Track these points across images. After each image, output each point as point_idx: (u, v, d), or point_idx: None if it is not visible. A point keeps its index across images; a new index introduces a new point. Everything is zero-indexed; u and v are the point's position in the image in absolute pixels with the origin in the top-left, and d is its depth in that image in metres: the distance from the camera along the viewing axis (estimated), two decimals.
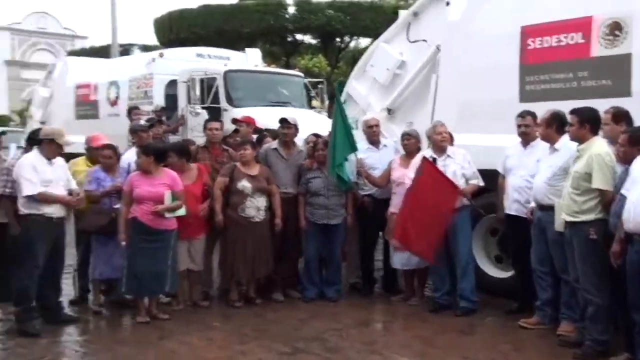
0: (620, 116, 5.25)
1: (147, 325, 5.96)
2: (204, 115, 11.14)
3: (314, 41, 27.50)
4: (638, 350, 4.63)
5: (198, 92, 12.08)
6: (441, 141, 6.45)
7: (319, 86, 13.90)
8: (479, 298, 6.52)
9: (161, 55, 13.76)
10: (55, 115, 16.21)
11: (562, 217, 5.23)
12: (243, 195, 6.54)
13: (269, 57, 27.21)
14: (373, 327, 6.14)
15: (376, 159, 7.10)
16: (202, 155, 7.27)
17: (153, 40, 30.37)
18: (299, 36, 26.78)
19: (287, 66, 25.47)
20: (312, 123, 9.50)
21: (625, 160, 4.84)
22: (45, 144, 5.84)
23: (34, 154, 5.86)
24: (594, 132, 5.22)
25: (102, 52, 27.42)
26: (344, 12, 24.07)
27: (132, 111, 10.91)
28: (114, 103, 14.16)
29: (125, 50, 30.91)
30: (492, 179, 6.46)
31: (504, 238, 6.77)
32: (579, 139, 5.23)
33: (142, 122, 8.69)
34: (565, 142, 5.56)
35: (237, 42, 23.88)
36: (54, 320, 5.95)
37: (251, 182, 6.55)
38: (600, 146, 5.11)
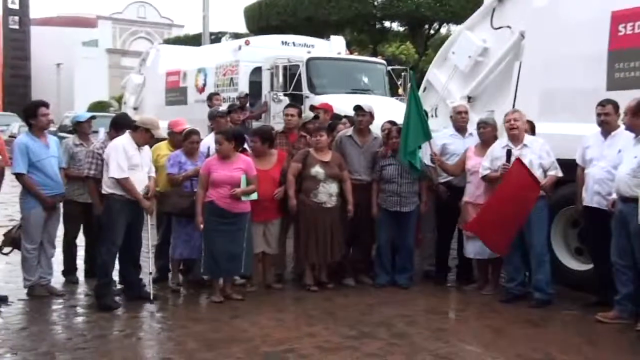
0: None
1: (221, 304, 6.18)
2: (287, 102, 11.29)
3: (401, 28, 27.24)
4: None
5: (281, 79, 12.31)
6: (510, 129, 6.31)
7: (403, 74, 13.82)
8: (555, 290, 6.37)
9: (247, 43, 14.05)
10: (147, 102, 16.90)
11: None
12: (316, 181, 6.64)
13: (357, 45, 27.29)
14: (442, 315, 6.10)
15: (460, 146, 7.03)
16: (279, 140, 7.44)
17: (243, 29, 31.00)
18: (386, 23, 26.58)
19: (375, 54, 25.42)
20: (392, 111, 9.46)
21: None
22: (141, 131, 6.13)
23: (127, 138, 6.12)
24: None
25: (195, 40, 28.31)
26: None
27: (212, 97, 11.23)
28: (201, 90, 14.59)
29: (217, 38, 31.79)
30: (573, 170, 6.29)
31: (584, 230, 6.57)
32: None
33: (222, 108, 8.93)
34: None
35: (325, 30, 24.04)
36: (134, 296, 6.26)
37: (324, 168, 6.64)
38: None
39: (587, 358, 4.87)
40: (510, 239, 6.21)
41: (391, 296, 6.57)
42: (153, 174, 6.38)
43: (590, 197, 6.03)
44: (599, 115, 5.98)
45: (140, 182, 6.13)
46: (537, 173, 6.18)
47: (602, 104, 5.98)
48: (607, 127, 5.97)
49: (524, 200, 6.13)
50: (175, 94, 15.74)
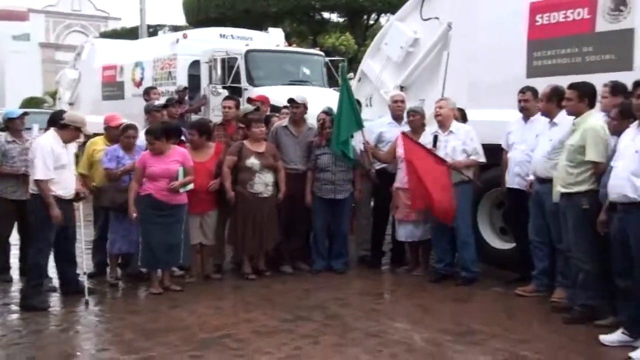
0: (618, 89, 5.38)
1: (159, 296, 6.30)
2: (226, 94, 11.43)
3: (341, 19, 27.53)
4: (621, 313, 4.82)
5: (220, 72, 12.37)
6: (435, 116, 6.64)
7: (340, 65, 14.01)
8: (481, 269, 6.78)
9: (185, 36, 14.05)
10: (83, 97, 16.70)
11: (557, 189, 5.39)
12: (252, 172, 6.82)
13: (297, 36, 27.41)
14: (374, 296, 6.37)
15: (396, 133, 7.20)
16: (217, 132, 7.59)
17: (182, 21, 30.78)
18: (325, 14, 26.84)
19: (315, 45, 25.59)
20: (330, 101, 9.68)
21: (617, 132, 4.98)
22: (70, 129, 6.08)
23: (53, 136, 6.06)
24: (591, 106, 5.37)
25: (132, 33, 27.97)
26: None
27: (149, 91, 11.25)
28: (138, 84, 14.51)
29: (155, 31, 31.43)
30: (498, 154, 6.64)
31: (508, 211, 6.93)
32: (577, 113, 5.38)
33: (159, 102, 8.99)
34: (564, 117, 5.70)
35: (264, 22, 24.08)
36: (71, 292, 6.28)
37: (259, 159, 6.82)
38: (595, 120, 5.26)
39: (505, 329, 5.21)
40: (451, 209, 6.50)
41: (327, 281, 6.82)
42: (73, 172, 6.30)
43: (511, 179, 6.41)
44: (519, 101, 6.35)
45: (68, 181, 6.11)
46: (460, 158, 6.51)
47: (522, 90, 6.35)
48: (527, 113, 6.34)
49: (438, 172, 6.48)
50: (112, 89, 15.62)
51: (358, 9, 24.97)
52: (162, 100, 9.95)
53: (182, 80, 13.28)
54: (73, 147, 6.37)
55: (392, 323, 5.42)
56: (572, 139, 5.31)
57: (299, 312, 5.73)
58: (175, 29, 31.48)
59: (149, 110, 7.98)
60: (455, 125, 6.69)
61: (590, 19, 6.35)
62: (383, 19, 27.41)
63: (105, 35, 35.61)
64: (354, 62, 17.24)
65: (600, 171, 5.05)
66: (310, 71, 13.31)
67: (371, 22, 27.35)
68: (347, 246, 7.39)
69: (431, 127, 6.92)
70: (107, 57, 16.23)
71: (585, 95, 5.33)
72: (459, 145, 6.53)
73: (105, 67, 15.97)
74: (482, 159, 6.61)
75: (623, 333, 4.80)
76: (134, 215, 6.27)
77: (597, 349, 4.76)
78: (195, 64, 13.34)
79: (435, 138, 6.65)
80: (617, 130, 4.99)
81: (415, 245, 7.17)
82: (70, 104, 16.86)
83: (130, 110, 11.48)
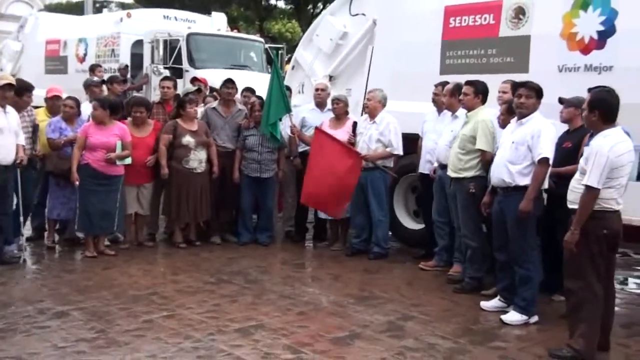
0: (515, 86, 6.11)
1: (94, 259, 6.78)
2: (167, 74, 11.82)
3: (287, 7, 27.98)
4: (499, 283, 5.57)
5: (162, 52, 12.77)
6: (364, 106, 7.25)
7: (279, 52, 14.58)
8: (393, 247, 7.53)
9: (128, 15, 14.36)
10: (26, 69, 16.67)
11: (448, 174, 6.12)
12: (187, 149, 7.33)
13: (243, 21, 27.76)
14: (293, 266, 6.98)
15: (318, 119, 7.80)
16: (156, 110, 8.08)
17: None
18: (272, 1, 27.25)
19: (261, 30, 26.02)
20: (266, 86, 10.23)
21: (504, 126, 5.71)
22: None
23: None
24: (484, 102, 6.09)
25: (77, 7, 27.69)
26: None
27: (94, 69, 11.57)
28: (81, 59, 14.76)
29: (101, 6, 31.16)
30: (413, 142, 7.31)
31: (420, 194, 7.65)
32: (471, 107, 6.09)
33: (96, 78, 9.44)
34: (464, 110, 6.40)
35: (211, 4, 24.35)
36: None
37: (194, 137, 7.34)
38: (485, 113, 5.99)
39: (402, 295, 5.91)
40: (342, 202, 7.19)
41: (251, 251, 7.42)
42: (22, 142, 6.45)
43: (423, 165, 7.11)
44: (433, 94, 7.03)
45: (4, 147, 6.19)
46: (373, 146, 7.15)
47: (435, 85, 7.04)
48: (437, 105, 7.03)
49: (348, 167, 7.10)
50: (55, 63, 15.76)
51: None
52: (105, 77, 10.36)
53: (125, 59, 13.62)
54: (15, 113, 6.40)
55: (305, 288, 6.06)
56: (465, 129, 6.03)
57: (221, 276, 6.32)
58: (122, 5, 31.30)
59: (87, 85, 8.40)
60: (381, 115, 7.25)
61: (495, 25, 7.07)
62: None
63: (50, 7, 35.01)
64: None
65: (487, 159, 5.76)
66: (250, 57, 13.81)
67: (317, 10, 27.87)
68: (272, 221, 8.02)
69: (365, 115, 7.51)
70: (51, 31, 16.33)
71: (480, 92, 6.06)
72: (375, 134, 7.15)
73: (48, 41, 16.09)
74: (397, 151, 7.20)
75: (499, 300, 5.56)
76: (77, 182, 6.69)
77: (476, 312, 5.50)
78: (138, 43, 13.69)
79: (355, 125, 7.30)
80: (504, 124, 5.71)
81: (335, 222, 7.82)
82: (13, 75, 16.80)
83: (73, 85, 11.74)
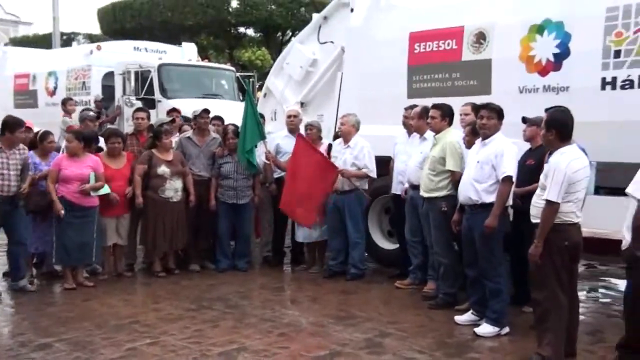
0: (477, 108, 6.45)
1: (73, 290, 6.89)
2: (139, 105, 12.01)
3: (256, 35, 28.36)
4: (471, 297, 5.83)
5: (133, 83, 12.99)
6: (338, 130, 7.54)
7: (251, 80, 14.88)
8: (369, 267, 7.77)
9: (99, 48, 14.58)
10: None
11: (420, 194, 6.39)
12: (163, 179, 7.51)
13: (213, 49, 28.06)
14: (272, 290, 7.17)
15: (291, 145, 7.98)
16: (130, 141, 8.26)
17: (97, 30, 30.78)
18: (242, 29, 27.60)
19: (231, 58, 26.34)
20: (239, 115, 10.47)
21: (469, 147, 6.01)
22: None
23: None
24: (450, 124, 6.39)
25: (44, 40, 27.76)
26: (284, 8, 25.05)
27: (66, 102, 11.71)
28: (51, 93, 14.90)
29: (69, 39, 31.26)
30: (385, 165, 7.58)
31: (393, 215, 7.90)
32: (439, 130, 6.38)
33: (92, 113, 9.72)
34: (431, 133, 6.69)
35: (181, 34, 24.65)
36: None
37: (169, 167, 7.53)
38: (453, 135, 6.29)
39: (379, 313, 6.13)
40: (315, 212, 7.48)
41: (231, 278, 7.58)
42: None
43: (395, 186, 7.38)
44: (403, 117, 7.32)
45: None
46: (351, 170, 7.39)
47: (405, 108, 7.34)
48: (408, 128, 7.31)
49: (323, 178, 7.41)
50: (24, 97, 15.87)
51: (273, 26, 25.88)
52: (77, 111, 10.54)
53: (96, 91, 13.79)
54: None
55: (285, 310, 6.25)
56: (434, 151, 6.32)
57: (202, 302, 6.47)
58: (90, 37, 31.46)
59: (83, 119, 8.67)
60: (354, 140, 7.50)
61: (458, 49, 7.42)
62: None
63: (15, 41, 35.06)
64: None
65: (456, 179, 6.03)
66: (222, 85, 14.09)
67: (286, 37, 28.30)
68: (250, 247, 8.22)
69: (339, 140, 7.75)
70: (19, 65, 16.45)
71: (447, 115, 6.36)
72: (350, 158, 7.41)
73: (17, 76, 16.21)
74: (372, 174, 7.46)
75: (472, 314, 5.81)
76: (62, 212, 6.81)
77: (451, 327, 5.74)
78: (109, 75, 13.89)
79: (330, 147, 7.58)
80: (470, 144, 6.01)
81: (312, 246, 8.03)
82: None
83: (44, 119, 11.87)
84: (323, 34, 9.27)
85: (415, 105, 7.19)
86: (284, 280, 7.90)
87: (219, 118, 8.80)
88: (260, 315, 6.04)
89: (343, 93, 8.68)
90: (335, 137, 8.07)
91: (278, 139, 8.28)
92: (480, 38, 7.23)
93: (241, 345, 5.16)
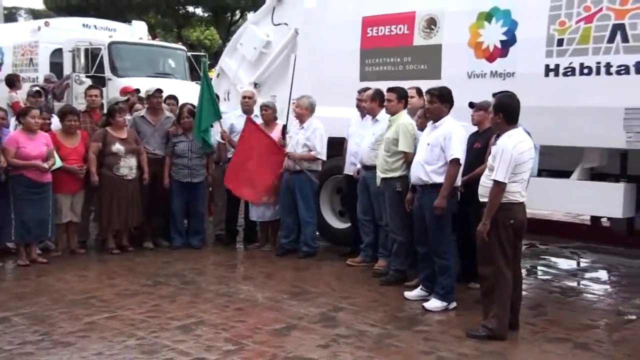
0: (420, 93, 6.64)
1: (27, 267, 6.83)
2: (89, 83, 11.80)
3: (205, 14, 28.04)
4: (421, 273, 6.05)
5: (83, 61, 12.73)
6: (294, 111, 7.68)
7: (202, 59, 14.72)
8: (320, 246, 7.91)
9: (47, 24, 14.18)
10: None
11: (378, 175, 6.55)
12: (117, 156, 7.46)
13: (161, 28, 27.61)
14: (226, 267, 7.25)
15: None
16: (83, 119, 8.13)
17: (40, 5, 29.87)
18: (190, 8, 27.24)
19: (179, 37, 25.97)
20: (191, 94, 10.42)
21: (422, 129, 6.19)
22: None
23: None
24: (405, 107, 6.55)
25: None
26: None
27: (16, 78, 11.41)
28: None
29: (11, 14, 30.23)
30: (339, 146, 7.69)
31: (345, 195, 8.06)
32: (395, 112, 6.53)
33: (36, 88, 9.51)
34: (384, 115, 6.85)
35: (128, 12, 24.16)
36: None
37: (123, 145, 7.48)
38: (406, 118, 6.45)
39: (332, 289, 6.29)
40: (262, 192, 7.69)
41: (185, 255, 7.61)
42: None
43: (347, 167, 7.52)
44: (357, 100, 7.44)
45: None
46: (300, 151, 7.49)
47: (359, 91, 7.46)
48: (361, 110, 7.43)
49: (271, 161, 7.62)
50: None
51: (222, 5, 25.63)
52: (24, 88, 10.31)
53: (45, 68, 13.45)
54: None
55: (240, 286, 6.34)
56: (388, 133, 6.47)
57: (158, 278, 6.51)
58: (32, 12, 30.52)
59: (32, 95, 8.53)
60: (309, 122, 7.57)
61: (409, 34, 7.57)
62: (248, 16, 28.32)
63: None
64: (218, 56, 17.96)
65: (409, 160, 6.19)
66: (173, 64, 13.94)
67: (236, 18, 28.08)
68: (204, 225, 8.26)
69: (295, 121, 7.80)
70: None
71: (402, 97, 6.51)
72: (302, 139, 7.49)
73: None
74: (321, 156, 7.55)
75: (421, 289, 6.03)
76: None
77: (401, 302, 5.94)
78: (57, 52, 13.56)
79: (284, 128, 7.65)
80: (422, 127, 6.19)
81: (265, 224, 8.12)
82: None
83: None
84: (277, 16, 9.29)
85: (368, 88, 7.32)
86: (238, 257, 7.98)
87: (173, 97, 8.77)
88: (216, 291, 6.12)
89: (296, 75, 8.74)
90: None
91: (232, 119, 8.31)
92: (431, 24, 7.40)
93: (199, 319, 5.23)
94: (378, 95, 6.89)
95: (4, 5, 24.73)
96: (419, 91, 6.67)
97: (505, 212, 4.85)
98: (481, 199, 4.99)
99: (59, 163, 7.08)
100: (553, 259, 8.12)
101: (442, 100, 5.70)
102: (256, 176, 7.62)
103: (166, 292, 6.05)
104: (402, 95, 6.54)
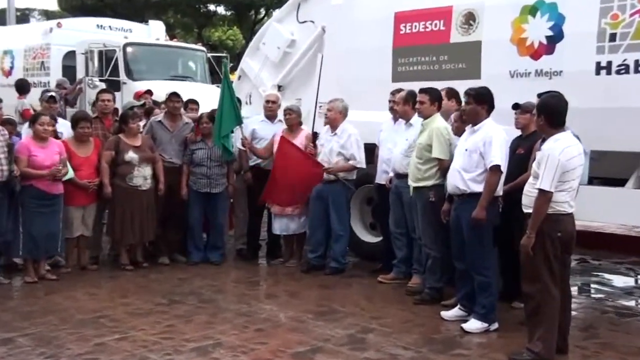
0: (452, 94, 6.57)
1: (35, 284, 6.88)
2: (103, 87, 11.93)
3: (227, 13, 28.25)
4: (459, 292, 5.94)
5: (97, 64, 12.89)
6: (325, 117, 7.64)
7: (223, 61, 14.83)
8: (350, 261, 7.86)
9: (59, 25, 14.40)
10: None
11: (409, 184, 6.47)
12: (131, 165, 7.49)
13: (181, 28, 27.90)
14: (247, 284, 7.22)
15: (269, 131, 8.09)
16: (95, 125, 8.18)
17: (54, 6, 30.43)
18: (211, 7, 27.47)
19: (200, 38, 26.20)
20: (212, 98, 10.48)
21: (458, 133, 6.10)
22: None
23: None
24: (439, 109, 6.48)
25: None
26: None
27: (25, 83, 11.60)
28: (7, 73, 14.72)
29: (24, 14, 30.86)
30: (369, 152, 7.62)
31: (376, 206, 7.98)
32: (428, 116, 6.45)
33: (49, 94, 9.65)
34: (418, 118, 6.77)
35: (145, 12, 24.46)
36: None
37: (137, 153, 7.51)
38: (440, 121, 6.37)
39: (362, 309, 6.22)
40: (296, 196, 7.73)
41: (203, 271, 7.61)
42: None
43: (379, 175, 7.45)
44: (389, 102, 7.38)
45: None
46: (335, 159, 7.44)
47: (392, 92, 7.40)
48: (394, 113, 7.37)
49: (308, 173, 7.59)
50: None
51: (245, 3, 25.80)
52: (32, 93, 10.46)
53: (57, 72, 13.66)
54: None
55: (261, 305, 6.32)
56: (421, 138, 6.40)
57: (173, 297, 6.51)
58: (46, 14, 31.08)
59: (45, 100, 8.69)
60: (342, 127, 7.51)
61: (446, 31, 7.51)
62: (273, 14, 28.46)
63: None
64: (241, 57, 18.06)
65: (444, 167, 6.12)
66: (192, 66, 14.05)
67: (260, 16, 28.23)
68: (224, 238, 8.25)
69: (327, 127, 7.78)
70: None
71: (436, 100, 6.44)
72: (337, 147, 7.44)
73: None
74: (360, 164, 7.50)
75: (459, 309, 5.93)
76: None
77: (436, 322, 5.85)
78: (70, 55, 13.75)
79: (315, 135, 7.62)
80: (459, 131, 6.11)
81: (289, 238, 8.09)
82: None
83: None
84: (302, 13, 9.29)
85: (401, 89, 7.25)
86: (260, 274, 7.96)
87: (194, 102, 8.78)
88: (236, 310, 6.10)
89: (323, 76, 8.70)
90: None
91: (254, 124, 8.30)
92: (470, 19, 7.33)
93: (216, 341, 5.21)
94: (411, 98, 6.82)
95: (17, 7, 25.24)
96: (449, 93, 6.58)
97: (552, 223, 4.74)
98: (525, 210, 4.89)
99: (71, 173, 7.13)
100: (606, 276, 7.95)
101: (479, 101, 5.62)
102: (294, 187, 7.67)
103: (182, 311, 6.04)
104: (435, 96, 6.46)
